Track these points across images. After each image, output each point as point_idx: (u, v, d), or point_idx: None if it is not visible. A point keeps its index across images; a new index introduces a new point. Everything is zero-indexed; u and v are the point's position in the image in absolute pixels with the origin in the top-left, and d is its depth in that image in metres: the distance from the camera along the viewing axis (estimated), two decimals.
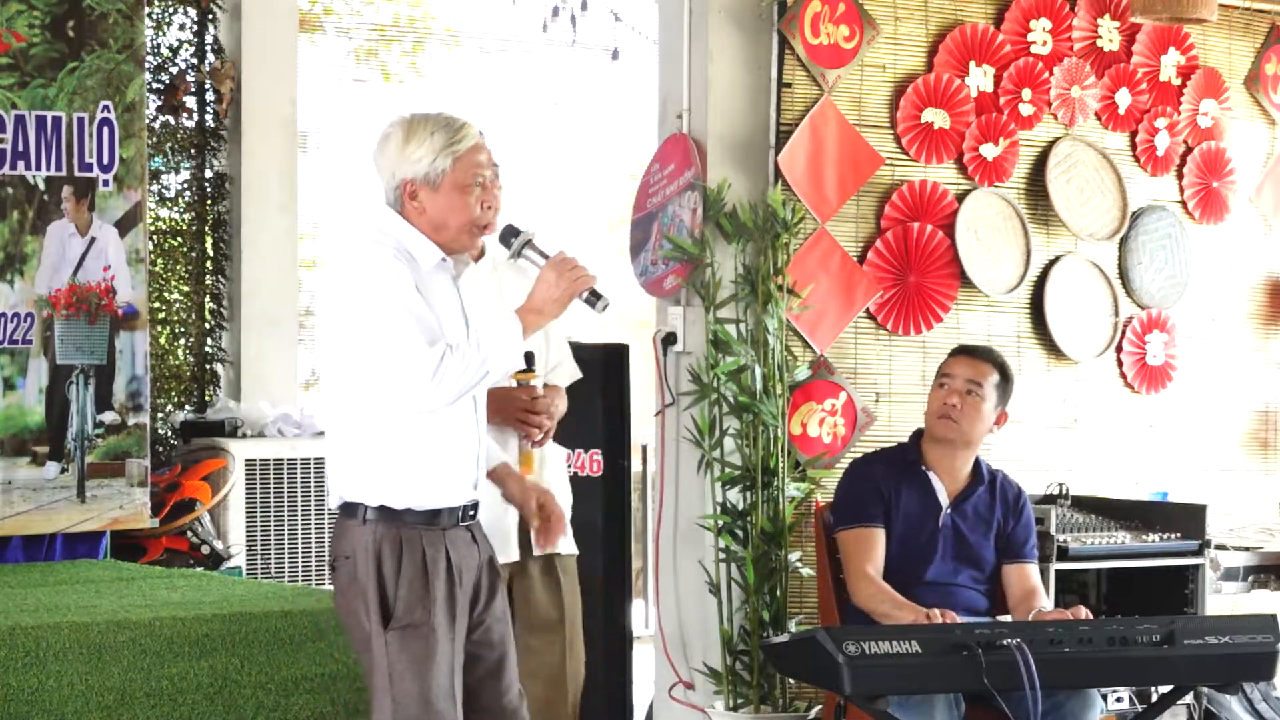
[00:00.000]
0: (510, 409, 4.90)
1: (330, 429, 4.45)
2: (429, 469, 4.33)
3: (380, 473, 4.32)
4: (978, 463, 5.79)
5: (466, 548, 4.39)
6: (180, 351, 8.16)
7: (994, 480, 5.82)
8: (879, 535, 5.65)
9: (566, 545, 5.09)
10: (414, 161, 4.32)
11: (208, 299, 8.24)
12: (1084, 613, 5.31)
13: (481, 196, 4.36)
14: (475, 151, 4.35)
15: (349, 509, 4.36)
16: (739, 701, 6.47)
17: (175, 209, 8.21)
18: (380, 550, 4.30)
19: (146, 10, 7.56)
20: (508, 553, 4.92)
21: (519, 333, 4.30)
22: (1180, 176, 7.44)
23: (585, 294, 4.37)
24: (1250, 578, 7.10)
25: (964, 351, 5.86)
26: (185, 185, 8.22)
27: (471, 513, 4.41)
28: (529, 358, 4.89)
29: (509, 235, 4.48)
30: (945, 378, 5.76)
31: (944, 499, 5.72)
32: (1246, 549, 7.09)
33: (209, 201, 8.24)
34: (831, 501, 5.88)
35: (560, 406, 5.05)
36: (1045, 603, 5.65)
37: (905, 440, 5.90)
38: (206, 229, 8.26)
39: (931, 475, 5.74)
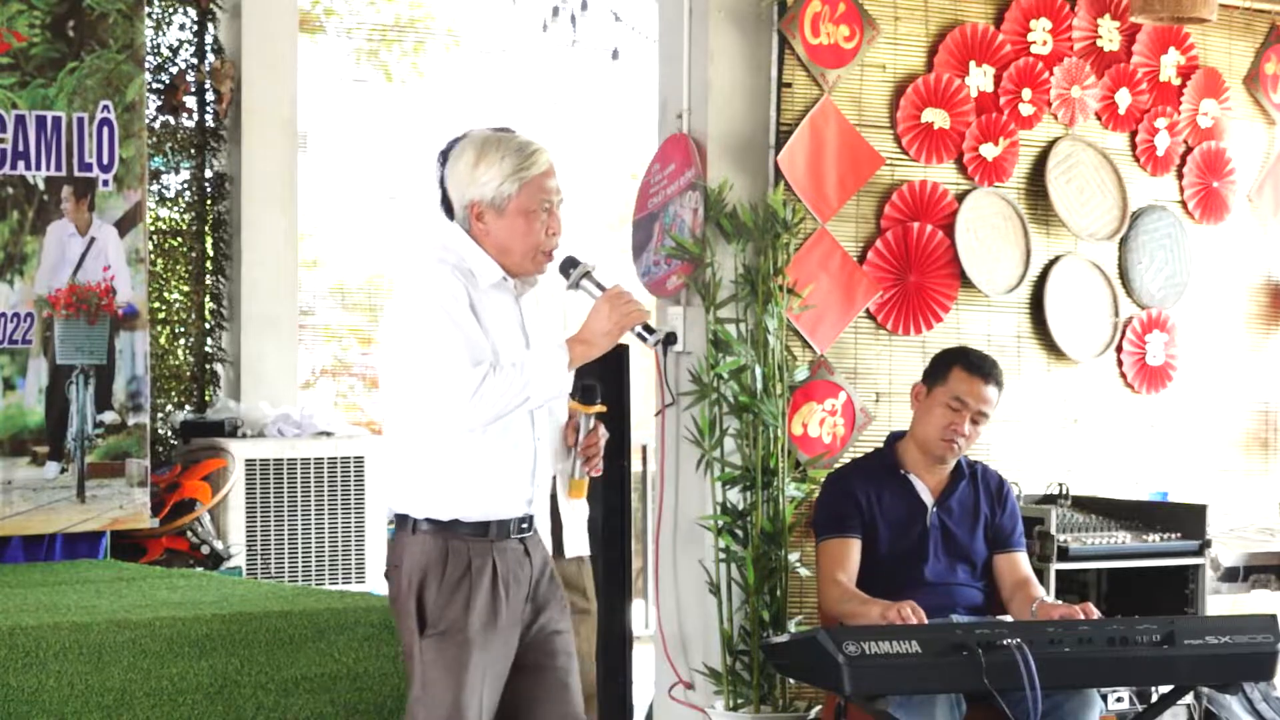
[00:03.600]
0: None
1: (388, 442, 4.48)
2: (479, 483, 4.35)
3: (430, 485, 4.35)
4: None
5: (517, 560, 4.40)
6: (180, 351, 8.17)
7: (975, 472, 5.80)
8: (853, 545, 5.64)
9: (586, 547, 5.22)
10: (481, 184, 4.35)
11: (208, 299, 8.25)
12: (1093, 611, 5.31)
13: (548, 223, 4.38)
14: (544, 177, 4.37)
15: (400, 520, 4.40)
16: (739, 701, 6.47)
17: (175, 209, 8.23)
18: (426, 560, 4.33)
19: (146, 10, 7.57)
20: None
21: (564, 363, 4.32)
22: (1180, 176, 7.43)
23: (638, 328, 4.39)
24: (1250, 578, 7.10)
25: (978, 371, 5.72)
26: (185, 185, 8.23)
27: (525, 526, 4.42)
28: (591, 390, 4.96)
29: (568, 266, 4.49)
30: (958, 402, 5.67)
31: (928, 499, 5.71)
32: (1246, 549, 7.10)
33: (209, 201, 8.25)
34: (812, 515, 5.87)
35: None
36: (1041, 592, 5.64)
37: (881, 445, 5.89)
38: (206, 229, 8.27)
39: (912, 478, 5.72)
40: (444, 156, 4.95)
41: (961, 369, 5.74)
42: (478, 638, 4.30)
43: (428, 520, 4.34)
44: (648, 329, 4.41)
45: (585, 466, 4.97)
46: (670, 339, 4.44)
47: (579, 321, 4.46)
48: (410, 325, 4.31)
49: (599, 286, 4.46)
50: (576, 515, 5.13)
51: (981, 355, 5.89)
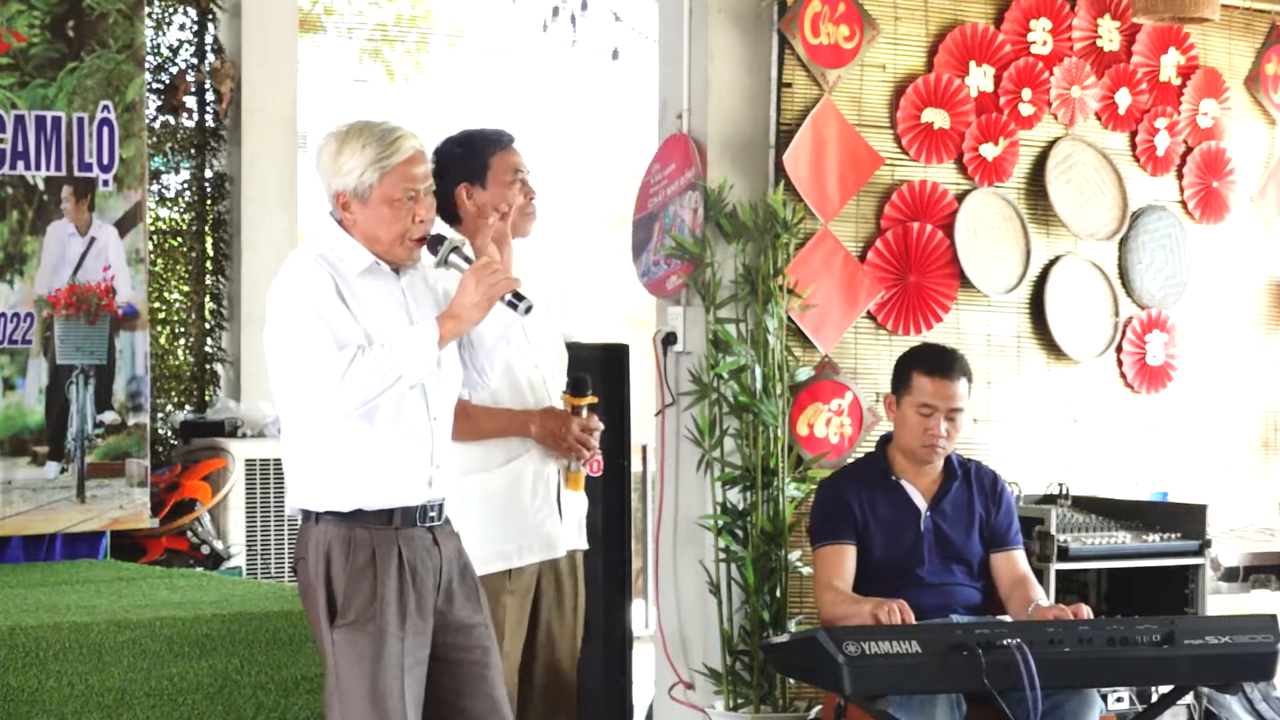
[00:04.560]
0: (567, 437, 5.00)
1: (281, 439, 4.47)
2: (376, 470, 4.31)
3: (328, 477, 4.32)
4: (948, 457, 5.76)
5: (425, 549, 4.36)
6: (180, 351, 8.16)
7: (968, 472, 5.78)
8: (848, 551, 5.63)
9: (583, 541, 5.22)
10: (345, 174, 4.31)
11: (208, 299, 8.25)
12: (1085, 611, 5.31)
13: (414, 210, 4.32)
14: (409, 165, 4.31)
15: (304, 514, 4.37)
16: (739, 701, 6.48)
17: (175, 209, 8.23)
18: (330, 550, 4.30)
19: (146, 10, 7.57)
20: (558, 549, 5.05)
21: (434, 339, 4.26)
22: (1180, 176, 7.44)
23: (507, 298, 4.34)
24: (1250, 578, 7.11)
25: (938, 371, 5.66)
26: (185, 185, 8.23)
27: (431, 514, 4.38)
28: (582, 383, 4.95)
29: (435, 243, 4.44)
30: (927, 408, 5.64)
31: (921, 503, 5.70)
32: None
33: (209, 201, 8.25)
34: (809, 522, 5.87)
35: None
36: (1039, 593, 5.64)
37: (872, 450, 5.89)
38: (206, 229, 8.27)
39: (904, 483, 5.71)
40: None
41: (921, 373, 5.68)
42: (389, 627, 4.27)
43: (330, 513, 4.31)
44: (518, 296, 4.35)
45: (577, 458, 4.99)
46: (519, 299, 4.36)
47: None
48: (279, 318, 4.29)
49: (466, 260, 4.41)
50: (574, 509, 5.14)
51: (939, 352, 5.80)
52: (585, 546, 5.24)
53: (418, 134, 4.38)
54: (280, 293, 4.30)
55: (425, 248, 4.43)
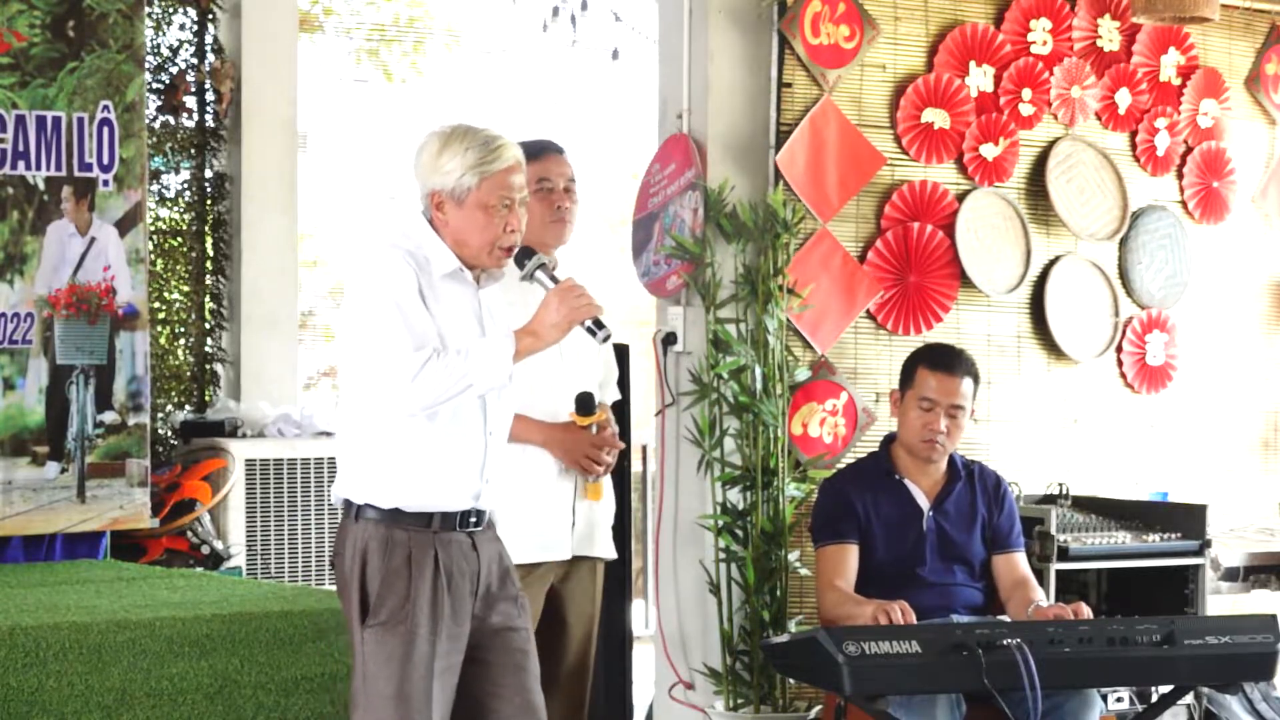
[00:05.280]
0: (576, 453, 5.06)
1: (338, 426, 4.48)
2: (423, 473, 4.31)
3: (374, 472, 4.32)
4: (951, 458, 5.77)
5: (462, 554, 4.35)
6: (180, 351, 8.16)
7: (971, 473, 5.78)
8: (850, 551, 5.63)
9: (609, 550, 5.28)
10: (444, 174, 4.33)
11: (208, 299, 8.25)
12: (1085, 610, 5.31)
13: (507, 218, 4.34)
14: (508, 174, 4.33)
15: (345, 506, 4.38)
16: (739, 701, 6.48)
17: (175, 209, 8.22)
18: (366, 547, 4.30)
19: (146, 10, 7.57)
20: (560, 552, 5.11)
21: (509, 353, 4.27)
22: (1180, 176, 7.44)
23: (588, 323, 4.35)
24: (1250, 578, 7.10)
25: (941, 367, 5.69)
26: (185, 185, 8.23)
27: (473, 520, 4.38)
28: (588, 401, 4.97)
29: (524, 256, 4.46)
30: (928, 402, 5.66)
31: (924, 503, 5.70)
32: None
33: (209, 201, 8.25)
34: (810, 520, 5.87)
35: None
36: (1039, 595, 5.64)
37: (876, 449, 5.89)
38: (206, 229, 8.27)
39: (907, 482, 5.71)
40: None
41: (925, 368, 5.71)
42: (420, 629, 4.26)
43: (370, 506, 4.32)
44: (597, 324, 4.37)
45: (592, 475, 5.03)
46: (599, 326, 4.38)
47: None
48: (358, 309, 4.30)
49: (552, 279, 4.42)
50: (597, 518, 5.16)
51: (945, 350, 5.82)
52: (609, 556, 5.26)
53: (516, 143, 4.40)
54: (365, 282, 4.30)
55: (514, 260, 4.44)
